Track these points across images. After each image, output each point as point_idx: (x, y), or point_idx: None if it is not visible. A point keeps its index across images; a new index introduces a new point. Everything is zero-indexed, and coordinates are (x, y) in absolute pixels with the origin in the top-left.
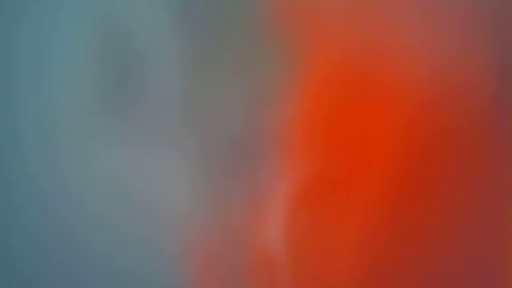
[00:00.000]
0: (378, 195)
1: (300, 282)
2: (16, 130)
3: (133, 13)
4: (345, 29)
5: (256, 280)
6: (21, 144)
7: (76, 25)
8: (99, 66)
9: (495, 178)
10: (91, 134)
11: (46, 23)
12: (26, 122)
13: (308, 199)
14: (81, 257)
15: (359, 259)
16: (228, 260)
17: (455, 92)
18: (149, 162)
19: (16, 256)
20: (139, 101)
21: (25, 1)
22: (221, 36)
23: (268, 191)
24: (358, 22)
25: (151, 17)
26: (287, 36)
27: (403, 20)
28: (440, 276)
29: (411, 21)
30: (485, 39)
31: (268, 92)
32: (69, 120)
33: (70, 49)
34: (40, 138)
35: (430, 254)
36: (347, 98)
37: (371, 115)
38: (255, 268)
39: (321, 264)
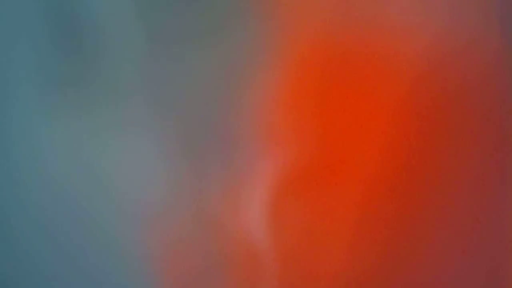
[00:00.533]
0: (373, 182)
1: (286, 276)
2: None
3: None
4: None
5: (237, 273)
6: None
7: None
8: (51, 30)
9: (500, 155)
10: (48, 111)
11: None
12: None
13: (294, 187)
14: (42, 240)
15: (351, 252)
16: (206, 252)
17: (452, 66)
18: (115, 142)
19: None
20: (98, 76)
21: None
22: (196, 5)
23: (250, 178)
24: None
25: None
26: (269, 8)
27: None
28: (439, 271)
29: None
30: (482, 4)
31: (248, 68)
32: (23, 95)
33: (20, 12)
34: None
35: (428, 249)
36: (337, 75)
37: (364, 92)
38: (236, 261)
39: (309, 258)
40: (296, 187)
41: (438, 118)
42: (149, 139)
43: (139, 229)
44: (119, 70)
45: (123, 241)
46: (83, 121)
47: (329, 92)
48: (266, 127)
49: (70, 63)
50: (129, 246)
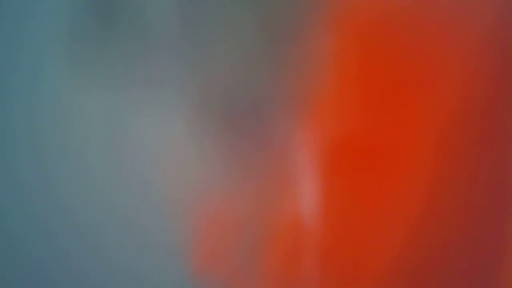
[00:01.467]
0: (420, 159)
1: (333, 254)
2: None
3: None
4: None
5: (282, 247)
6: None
7: None
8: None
9: None
10: (81, 82)
11: None
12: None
13: (339, 164)
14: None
15: (396, 229)
16: (250, 226)
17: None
18: (147, 121)
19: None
20: (135, 43)
21: None
22: None
23: (294, 154)
24: None
25: None
26: None
27: None
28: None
29: None
30: None
31: (292, 38)
32: (58, 52)
33: None
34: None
35: (476, 228)
36: (385, 48)
37: (412, 68)
38: (281, 234)
39: (354, 234)
40: (344, 165)
41: (494, 96)
42: (187, 119)
43: (176, 215)
44: (156, 45)
45: (163, 224)
46: (125, 101)
47: (379, 65)
48: (312, 100)
49: (105, 25)
50: (168, 218)
